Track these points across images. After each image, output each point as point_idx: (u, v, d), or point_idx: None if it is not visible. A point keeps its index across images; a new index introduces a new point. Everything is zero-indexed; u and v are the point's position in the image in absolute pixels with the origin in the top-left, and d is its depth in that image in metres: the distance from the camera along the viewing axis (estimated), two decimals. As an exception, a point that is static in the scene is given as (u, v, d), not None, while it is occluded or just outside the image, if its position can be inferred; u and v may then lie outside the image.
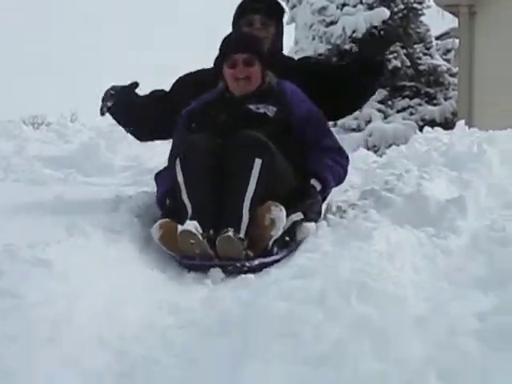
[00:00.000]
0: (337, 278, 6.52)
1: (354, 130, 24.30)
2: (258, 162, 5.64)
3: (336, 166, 6.50)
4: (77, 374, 4.41)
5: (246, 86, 6.54)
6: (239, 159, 5.74)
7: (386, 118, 23.72)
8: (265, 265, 5.54)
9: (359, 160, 12.32)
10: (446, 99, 24.49)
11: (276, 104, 6.41)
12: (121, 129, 9.53)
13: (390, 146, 16.57)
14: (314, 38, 24.64)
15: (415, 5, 24.57)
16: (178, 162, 5.85)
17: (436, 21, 25.46)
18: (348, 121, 24.83)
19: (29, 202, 9.85)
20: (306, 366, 4.84)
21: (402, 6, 24.28)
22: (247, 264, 5.48)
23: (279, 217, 5.53)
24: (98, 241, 6.40)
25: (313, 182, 6.22)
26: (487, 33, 23.24)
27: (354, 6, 23.85)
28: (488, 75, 22.98)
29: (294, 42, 26.11)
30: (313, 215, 6.23)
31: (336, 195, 9.85)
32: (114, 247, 6.36)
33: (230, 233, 5.28)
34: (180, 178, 5.75)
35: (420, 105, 24.03)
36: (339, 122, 24.55)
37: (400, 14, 24.29)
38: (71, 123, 19.43)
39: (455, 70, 24.79)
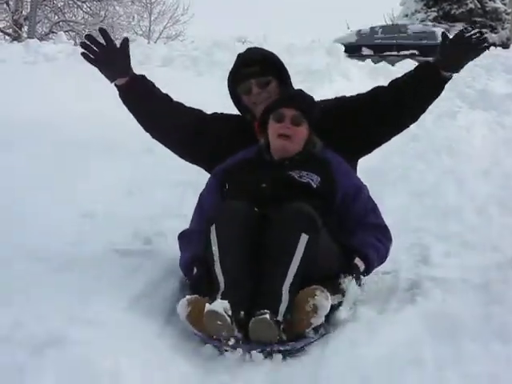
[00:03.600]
0: (433, 142, 6.53)
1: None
2: (304, 238, 3.19)
3: (380, 245, 3.53)
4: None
5: (287, 145, 3.59)
6: (283, 233, 3.22)
7: (463, 41, 22.83)
8: (296, 350, 3.06)
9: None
10: (503, 29, 23.42)
11: (320, 173, 3.56)
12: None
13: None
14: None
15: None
16: (213, 229, 3.27)
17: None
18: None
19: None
20: (414, 196, 4.82)
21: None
22: (278, 348, 3.01)
23: (323, 305, 3.05)
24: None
25: (357, 261, 3.43)
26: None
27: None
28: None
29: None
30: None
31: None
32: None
33: (267, 315, 2.98)
34: (215, 248, 3.24)
35: (486, 33, 23.06)
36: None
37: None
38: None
39: (509, 10, 23.66)
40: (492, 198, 4.71)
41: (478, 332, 2.75)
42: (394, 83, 3.75)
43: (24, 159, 5.30)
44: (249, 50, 3.95)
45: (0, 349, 2.47)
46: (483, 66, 11.08)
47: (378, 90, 3.77)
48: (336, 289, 3.22)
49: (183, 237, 3.61)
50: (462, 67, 3.60)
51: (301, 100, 3.61)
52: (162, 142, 3.91)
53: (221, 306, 2.97)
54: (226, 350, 2.96)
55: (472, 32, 3.52)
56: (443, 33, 3.59)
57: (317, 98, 3.68)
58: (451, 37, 3.55)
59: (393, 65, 13.25)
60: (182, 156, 3.94)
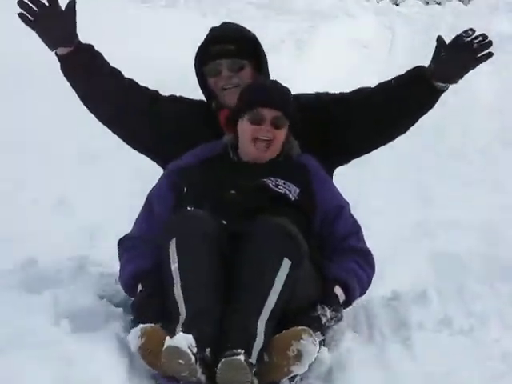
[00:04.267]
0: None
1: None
2: (286, 264, 2.58)
3: (362, 272, 2.85)
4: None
5: (263, 151, 2.95)
6: (261, 256, 2.60)
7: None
8: None
9: (451, 6, 11.89)
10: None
11: (298, 183, 2.95)
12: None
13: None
14: None
15: None
16: (173, 243, 2.64)
17: None
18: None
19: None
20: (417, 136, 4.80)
21: None
22: None
23: (309, 352, 2.43)
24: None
25: (336, 290, 2.76)
26: None
27: None
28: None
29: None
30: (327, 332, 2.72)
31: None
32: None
33: (241, 357, 2.39)
34: (175, 267, 2.60)
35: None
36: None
37: None
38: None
39: None
40: (496, 137, 4.69)
41: (481, 271, 2.80)
42: (382, 89, 3.09)
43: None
44: (224, 24, 3.33)
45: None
46: (488, 6, 11.01)
47: (363, 93, 3.14)
48: (317, 325, 2.59)
49: (126, 242, 2.90)
50: (460, 77, 2.92)
51: (282, 98, 2.99)
52: (108, 126, 3.27)
53: (185, 341, 2.38)
54: None
55: (473, 36, 2.84)
56: (439, 37, 2.88)
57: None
58: (448, 41, 2.86)
59: (397, 4, 13.11)
60: (131, 144, 3.29)
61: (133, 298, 2.73)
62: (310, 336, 2.42)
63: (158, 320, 2.54)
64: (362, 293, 2.81)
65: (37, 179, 3.81)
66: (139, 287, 2.72)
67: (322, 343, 2.54)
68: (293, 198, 2.83)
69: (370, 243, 2.90)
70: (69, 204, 3.57)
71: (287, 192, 2.84)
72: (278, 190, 2.85)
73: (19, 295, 2.59)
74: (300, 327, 2.45)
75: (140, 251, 2.81)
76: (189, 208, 2.77)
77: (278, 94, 2.98)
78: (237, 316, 2.48)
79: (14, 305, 2.48)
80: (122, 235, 2.85)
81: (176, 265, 2.56)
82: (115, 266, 2.84)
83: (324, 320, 2.61)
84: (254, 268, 2.54)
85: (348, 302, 2.74)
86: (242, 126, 2.92)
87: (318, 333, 2.54)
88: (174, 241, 2.59)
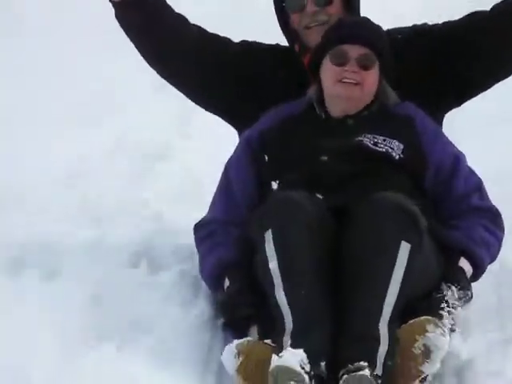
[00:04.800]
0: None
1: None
2: (404, 248, 2.14)
3: (491, 237, 2.40)
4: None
5: (353, 92, 2.45)
6: (372, 243, 2.17)
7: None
8: None
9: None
10: None
11: (401, 138, 2.45)
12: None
13: None
14: None
15: None
16: (269, 235, 2.19)
17: None
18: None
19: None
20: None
21: None
22: None
23: (439, 346, 2.04)
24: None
25: (462, 263, 2.35)
26: None
27: None
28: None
29: None
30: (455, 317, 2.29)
31: None
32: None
33: (366, 371, 1.98)
34: (274, 265, 2.17)
35: None
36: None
37: None
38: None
39: None
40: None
41: None
42: (498, 6, 2.63)
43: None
44: None
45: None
46: None
47: (475, 17, 2.67)
48: (443, 309, 2.24)
49: (202, 230, 2.54)
50: None
51: (370, 33, 2.51)
52: (174, 82, 2.83)
53: (295, 358, 2.02)
54: None
55: None
56: None
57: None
58: None
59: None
60: (201, 102, 2.87)
61: (218, 294, 2.46)
62: (437, 326, 2.10)
63: (252, 322, 2.28)
64: (492, 261, 2.47)
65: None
66: (226, 282, 2.41)
67: (453, 330, 2.22)
68: (397, 157, 2.44)
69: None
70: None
71: (389, 150, 2.45)
72: (377, 148, 2.44)
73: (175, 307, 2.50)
74: (423, 317, 2.14)
75: (220, 239, 2.48)
76: (274, 184, 2.42)
77: (365, 29, 2.53)
78: (353, 320, 2.13)
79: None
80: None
81: (275, 262, 2.21)
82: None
83: (451, 302, 2.27)
84: (366, 259, 2.18)
85: (475, 276, 2.41)
86: (325, 68, 2.51)
87: (446, 320, 2.21)
88: (269, 233, 2.23)
